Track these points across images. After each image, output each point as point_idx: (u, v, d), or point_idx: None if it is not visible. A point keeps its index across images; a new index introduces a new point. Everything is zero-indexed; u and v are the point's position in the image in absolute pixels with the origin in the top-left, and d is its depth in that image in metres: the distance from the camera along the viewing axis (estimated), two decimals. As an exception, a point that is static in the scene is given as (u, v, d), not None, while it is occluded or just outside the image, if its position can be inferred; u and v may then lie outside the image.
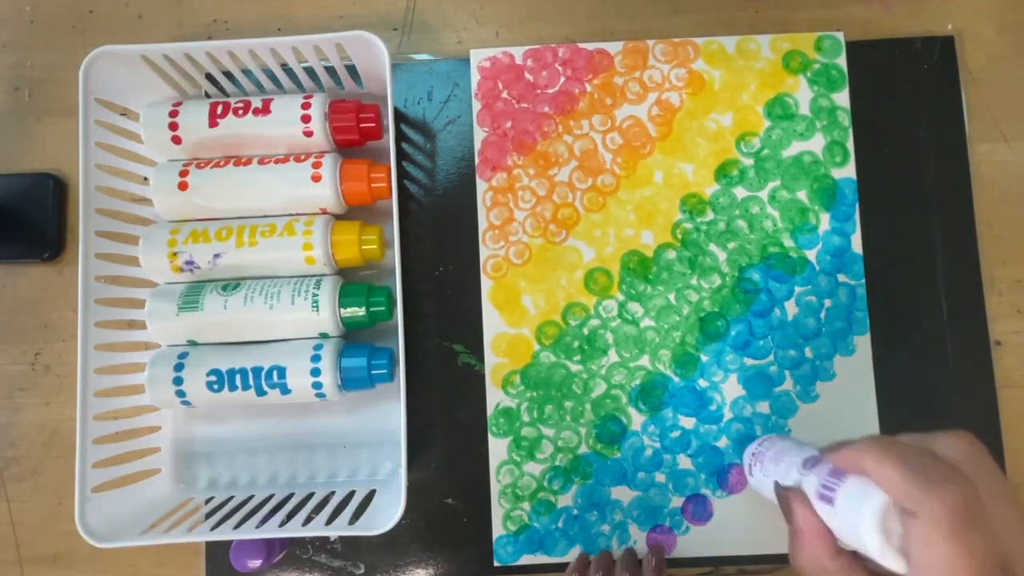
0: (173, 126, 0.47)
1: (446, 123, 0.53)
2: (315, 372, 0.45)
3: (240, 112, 0.47)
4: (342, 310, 0.46)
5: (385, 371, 0.47)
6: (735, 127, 0.52)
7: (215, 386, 0.45)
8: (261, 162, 0.47)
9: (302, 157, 0.47)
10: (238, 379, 0.45)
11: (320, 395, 0.46)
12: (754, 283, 0.51)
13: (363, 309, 0.47)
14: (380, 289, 0.47)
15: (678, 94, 0.52)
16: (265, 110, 0.47)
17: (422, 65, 0.53)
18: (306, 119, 0.47)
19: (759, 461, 0.42)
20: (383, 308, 0.47)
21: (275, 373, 0.45)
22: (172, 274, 0.47)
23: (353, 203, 0.48)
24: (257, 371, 0.45)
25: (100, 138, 0.46)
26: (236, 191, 0.47)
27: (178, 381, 0.45)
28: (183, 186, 0.47)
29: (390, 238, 0.47)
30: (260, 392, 0.46)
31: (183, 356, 0.46)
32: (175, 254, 0.47)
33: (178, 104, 0.48)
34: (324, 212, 0.48)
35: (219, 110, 0.47)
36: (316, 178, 0.47)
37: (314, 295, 0.46)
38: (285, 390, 0.45)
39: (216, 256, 0.47)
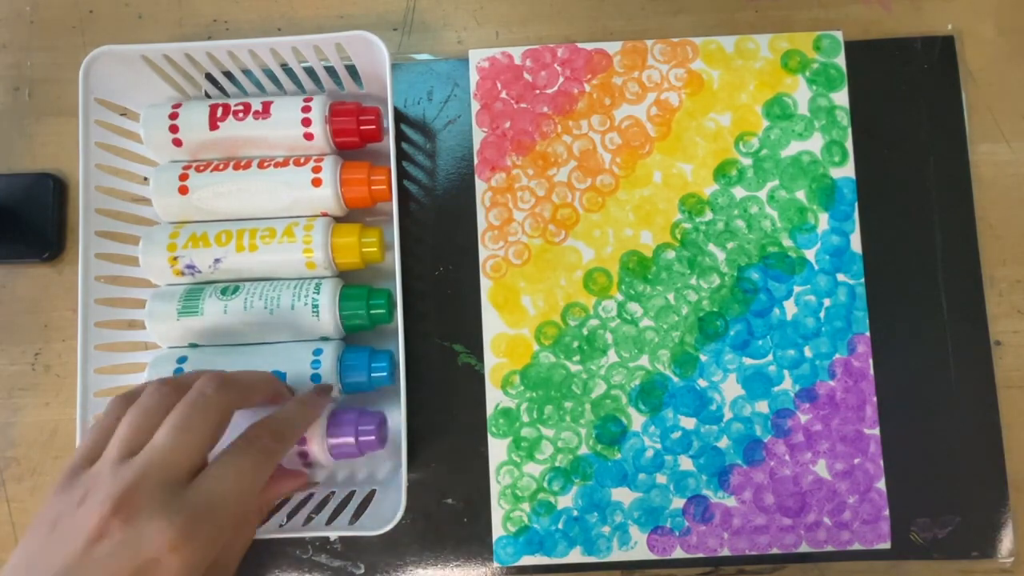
0: (173, 128, 0.47)
1: (446, 123, 0.53)
2: (315, 378, 0.45)
3: (240, 115, 0.47)
4: (342, 314, 0.46)
5: (385, 374, 0.46)
6: (734, 127, 0.52)
7: None
8: (261, 165, 0.47)
9: (302, 160, 0.47)
10: None
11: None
12: (753, 283, 0.51)
13: (363, 312, 0.47)
14: (380, 292, 0.47)
15: (677, 94, 0.52)
16: (265, 113, 0.47)
17: (422, 65, 0.53)
18: (307, 123, 0.47)
19: None
20: (383, 311, 0.47)
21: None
22: (173, 277, 0.48)
23: (353, 206, 0.48)
24: None
25: (100, 138, 0.47)
26: (236, 195, 0.47)
27: None
28: (183, 190, 0.47)
29: (390, 240, 0.47)
30: None
31: (182, 360, 0.46)
32: (175, 258, 0.47)
33: (177, 106, 0.48)
34: (324, 215, 0.48)
35: (219, 113, 0.47)
36: (316, 183, 0.47)
37: (314, 299, 0.46)
38: None
39: (216, 261, 0.47)
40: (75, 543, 0.32)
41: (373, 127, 0.48)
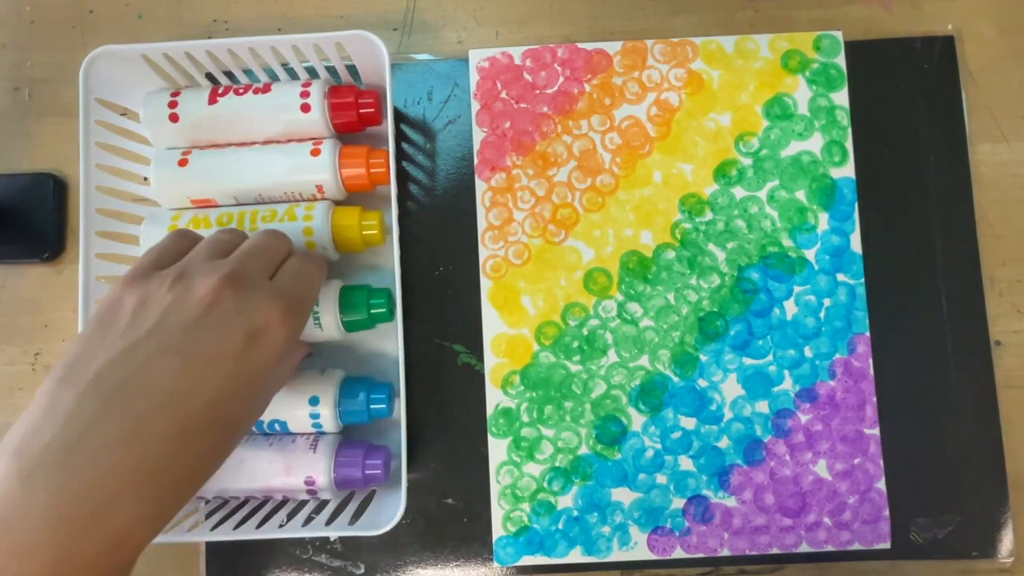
0: (172, 104, 0.47)
1: (446, 123, 0.53)
2: (314, 415, 0.46)
3: (240, 91, 0.47)
4: (342, 315, 0.46)
5: (384, 406, 0.47)
6: (734, 127, 0.52)
7: None
8: (262, 143, 0.47)
9: (303, 139, 0.47)
10: None
11: (316, 426, 0.46)
12: (753, 283, 0.51)
13: (363, 311, 0.47)
14: (380, 291, 0.47)
15: (677, 94, 0.52)
16: (265, 90, 0.47)
17: (422, 65, 0.53)
18: (305, 94, 0.47)
19: None
20: (384, 310, 0.47)
21: (276, 425, 0.46)
22: None
23: (352, 189, 0.48)
24: (259, 425, 0.46)
25: (100, 138, 0.47)
26: (235, 171, 0.47)
27: None
28: (182, 163, 0.47)
29: (389, 226, 0.47)
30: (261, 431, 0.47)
31: None
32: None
33: (176, 100, 0.48)
34: (323, 194, 0.48)
35: (220, 89, 0.48)
36: (315, 152, 0.46)
37: (314, 311, 0.45)
38: (284, 428, 0.46)
39: None
40: (187, 310, 0.34)
41: (372, 109, 0.48)
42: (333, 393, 0.46)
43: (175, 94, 0.48)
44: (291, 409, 0.45)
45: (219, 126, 0.48)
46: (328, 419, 0.46)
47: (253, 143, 0.48)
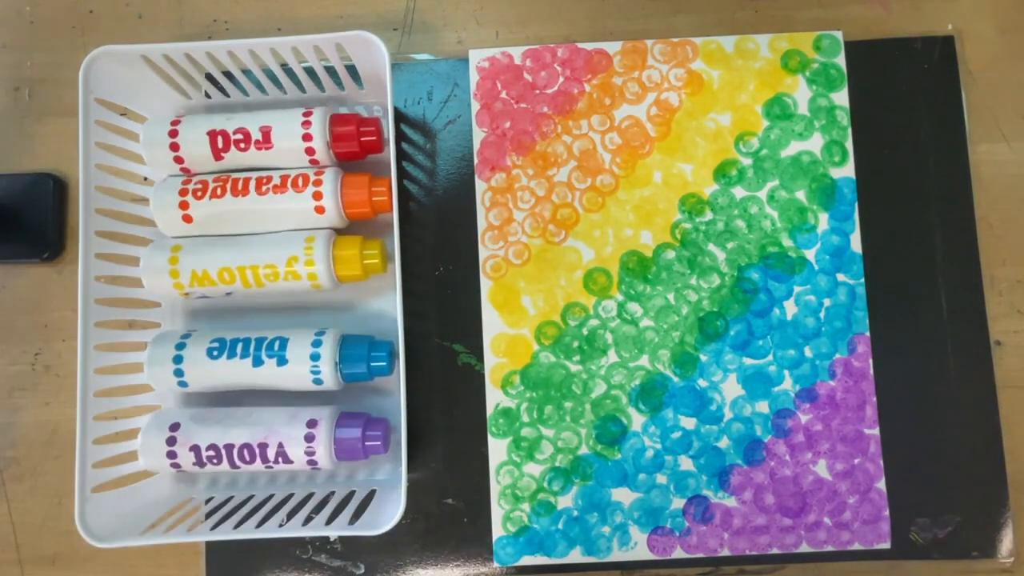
0: (178, 160, 0.48)
1: (446, 123, 0.53)
2: (314, 356, 0.46)
3: (242, 146, 0.47)
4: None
5: (384, 363, 0.47)
6: (734, 127, 0.52)
7: (214, 352, 0.46)
8: (259, 190, 0.47)
9: (300, 184, 0.47)
10: (239, 348, 0.46)
11: (317, 381, 0.46)
12: (753, 283, 0.51)
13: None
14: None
15: (677, 94, 0.52)
16: (267, 142, 0.47)
17: (422, 65, 0.53)
18: (308, 138, 0.47)
19: None
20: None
21: (276, 343, 0.46)
22: (186, 301, 0.50)
23: (355, 218, 0.48)
24: (260, 342, 0.46)
25: (100, 138, 0.47)
26: (238, 223, 0.47)
27: (178, 359, 0.46)
28: (187, 219, 0.47)
29: (391, 250, 0.47)
30: (257, 362, 0.46)
31: (186, 336, 0.47)
32: (187, 294, 0.48)
33: (175, 129, 0.48)
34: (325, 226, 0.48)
35: (220, 143, 0.47)
36: (319, 210, 0.47)
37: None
38: (282, 361, 0.46)
39: (228, 294, 0.48)
40: None
41: (374, 138, 0.48)
42: (333, 349, 0.46)
43: (175, 147, 0.47)
44: (292, 366, 0.46)
45: (226, 179, 0.48)
46: (329, 375, 0.46)
47: (251, 188, 0.48)
